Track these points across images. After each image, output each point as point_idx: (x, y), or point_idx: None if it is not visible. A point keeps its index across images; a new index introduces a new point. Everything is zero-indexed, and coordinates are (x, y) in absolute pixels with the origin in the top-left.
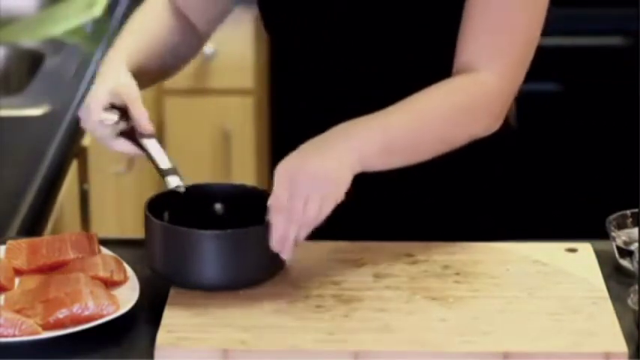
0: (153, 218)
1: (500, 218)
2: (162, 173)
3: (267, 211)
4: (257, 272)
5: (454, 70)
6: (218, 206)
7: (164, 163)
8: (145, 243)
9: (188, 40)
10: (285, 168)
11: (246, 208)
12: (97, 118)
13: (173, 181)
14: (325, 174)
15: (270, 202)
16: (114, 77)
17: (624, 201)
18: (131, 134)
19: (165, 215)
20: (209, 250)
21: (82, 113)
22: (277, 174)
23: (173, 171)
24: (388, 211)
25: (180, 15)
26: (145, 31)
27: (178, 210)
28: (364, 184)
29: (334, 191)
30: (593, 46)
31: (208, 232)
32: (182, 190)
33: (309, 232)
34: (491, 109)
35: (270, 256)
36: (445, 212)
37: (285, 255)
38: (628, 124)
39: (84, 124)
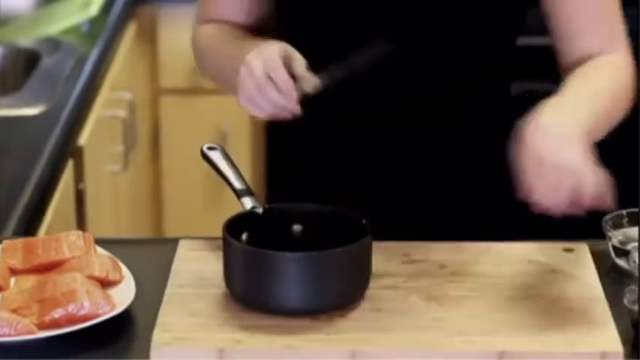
0: (233, 240)
1: (496, 218)
2: (238, 194)
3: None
4: (340, 296)
5: (572, 60)
6: (296, 227)
7: (239, 183)
8: (223, 265)
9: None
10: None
11: (324, 228)
12: (285, 76)
13: (249, 202)
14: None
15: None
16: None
17: (620, 201)
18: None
19: (244, 237)
20: (292, 272)
21: (255, 72)
22: (524, 164)
23: (248, 192)
24: (385, 211)
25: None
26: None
27: (256, 231)
28: (365, 184)
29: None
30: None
31: (292, 255)
32: (259, 211)
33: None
34: (632, 88)
35: (353, 279)
36: (441, 212)
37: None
38: (625, 124)
39: (261, 87)
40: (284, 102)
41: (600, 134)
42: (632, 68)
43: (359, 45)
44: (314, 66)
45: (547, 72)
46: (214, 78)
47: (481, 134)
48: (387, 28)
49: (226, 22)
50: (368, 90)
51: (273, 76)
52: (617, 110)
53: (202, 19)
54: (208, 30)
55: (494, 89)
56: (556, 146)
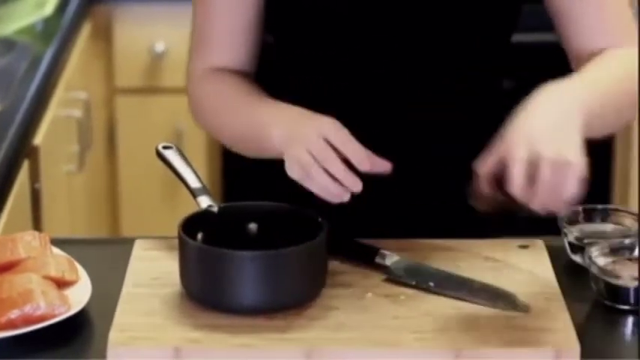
0: (188, 239)
1: (452, 215)
2: (193, 193)
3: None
4: (296, 294)
5: (584, 57)
6: (252, 226)
7: (194, 182)
8: (179, 265)
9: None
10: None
11: (280, 226)
12: (341, 167)
13: (205, 201)
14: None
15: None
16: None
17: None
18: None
19: (199, 236)
20: (249, 271)
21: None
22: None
23: (204, 190)
24: (342, 210)
25: (233, 72)
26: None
27: (212, 230)
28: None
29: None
30: (546, 43)
31: (248, 253)
32: (215, 209)
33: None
34: None
35: (309, 278)
36: (396, 209)
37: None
38: None
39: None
40: (338, 190)
41: (605, 124)
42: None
43: (358, 49)
44: (316, 78)
45: (538, 69)
46: (232, 143)
47: (472, 132)
48: (385, 29)
49: (225, 70)
50: (317, 91)
51: (328, 168)
52: (628, 104)
53: (199, 68)
54: (212, 86)
55: (490, 87)
56: (549, 137)
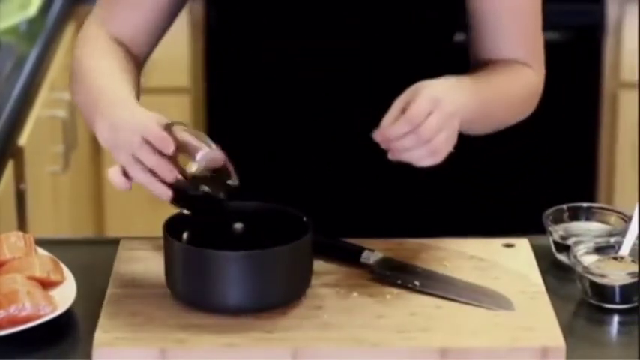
0: (173, 239)
1: (436, 214)
2: None
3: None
4: (281, 294)
5: (487, 59)
6: (237, 225)
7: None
8: (164, 265)
9: (138, 69)
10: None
11: (265, 226)
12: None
13: None
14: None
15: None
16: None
17: (560, 196)
18: None
19: (185, 236)
20: (234, 271)
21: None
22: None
23: None
24: (327, 209)
25: (123, 46)
26: (119, 68)
27: (197, 230)
28: (308, 183)
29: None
30: None
31: (233, 253)
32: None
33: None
34: (534, 106)
35: (294, 277)
36: (382, 208)
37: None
38: (562, 121)
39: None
40: (162, 167)
41: (483, 125)
42: (540, 92)
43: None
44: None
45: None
46: (81, 104)
47: None
48: (337, 30)
49: (114, 40)
50: (308, 92)
51: (148, 135)
52: (514, 113)
53: (93, 28)
54: (89, 53)
55: None
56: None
